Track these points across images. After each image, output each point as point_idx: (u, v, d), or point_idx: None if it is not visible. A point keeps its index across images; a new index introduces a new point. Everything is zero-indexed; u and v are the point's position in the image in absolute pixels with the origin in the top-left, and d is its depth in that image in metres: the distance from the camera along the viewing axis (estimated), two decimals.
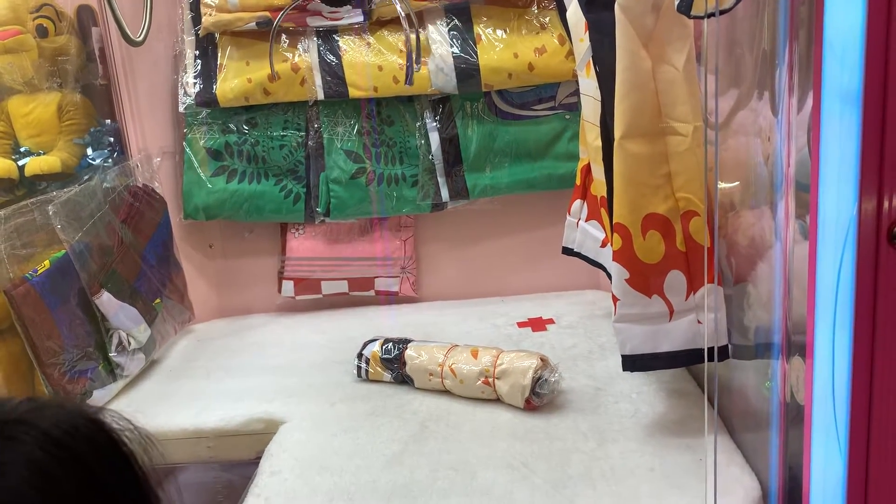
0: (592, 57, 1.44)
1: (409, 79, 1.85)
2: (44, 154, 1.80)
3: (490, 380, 1.52)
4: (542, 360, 1.50)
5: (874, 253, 0.91)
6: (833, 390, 0.97)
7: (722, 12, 0.98)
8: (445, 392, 1.59)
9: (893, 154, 0.88)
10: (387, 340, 1.68)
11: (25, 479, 0.49)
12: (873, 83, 0.87)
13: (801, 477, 1.03)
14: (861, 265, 0.91)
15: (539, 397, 1.48)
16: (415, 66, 1.85)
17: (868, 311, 0.93)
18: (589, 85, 1.51)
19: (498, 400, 1.53)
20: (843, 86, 0.89)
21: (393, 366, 1.64)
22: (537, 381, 1.47)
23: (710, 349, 1.23)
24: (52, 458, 0.50)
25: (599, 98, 1.41)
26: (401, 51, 1.97)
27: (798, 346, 1.03)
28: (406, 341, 1.67)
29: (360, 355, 1.69)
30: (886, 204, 0.90)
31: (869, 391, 0.95)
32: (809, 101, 0.94)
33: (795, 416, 1.06)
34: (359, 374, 1.68)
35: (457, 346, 1.62)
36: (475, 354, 1.57)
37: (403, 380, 1.64)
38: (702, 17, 0.99)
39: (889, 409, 0.95)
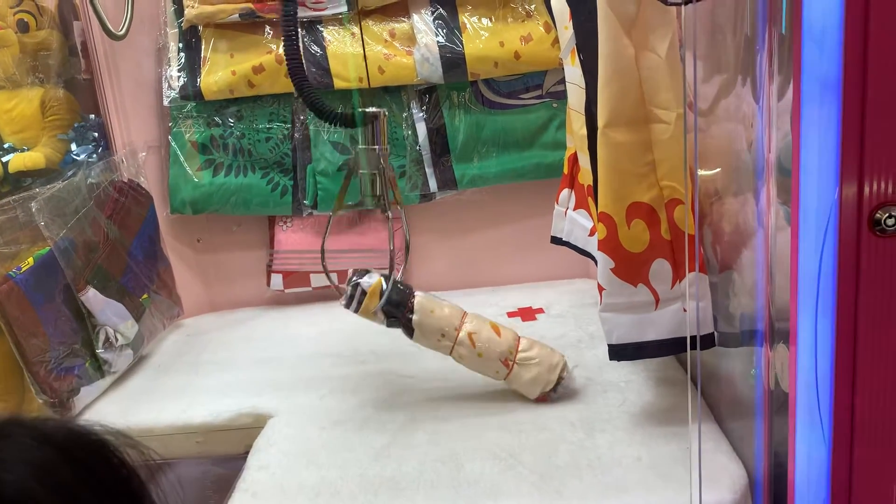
0: (577, 45, 1.42)
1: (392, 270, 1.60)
2: (27, 150, 1.79)
3: (511, 362, 1.47)
4: (564, 359, 1.50)
5: (855, 239, 0.91)
6: (816, 377, 0.97)
7: None
8: (435, 380, 1.58)
9: (874, 139, 0.88)
10: (388, 279, 1.47)
11: (29, 474, 0.49)
12: (853, 68, 0.86)
13: (787, 465, 1.03)
14: (842, 251, 0.91)
15: (556, 394, 1.47)
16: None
17: (850, 298, 0.92)
18: (574, 73, 1.50)
19: (500, 384, 1.50)
20: (822, 71, 0.88)
21: (397, 310, 1.45)
22: (560, 380, 1.47)
23: (695, 337, 1.22)
24: (51, 453, 0.51)
25: (584, 86, 1.40)
26: (386, 41, 1.96)
27: (782, 333, 1.03)
28: (410, 288, 1.49)
29: (355, 284, 1.45)
30: (867, 190, 0.89)
31: (852, 378, 0.95)
32: (790, 87, 0.94)
33: (781, 404, 1.06)
34: (348, 305, 1.46)
35: (468, 312, 1.51)
36: (496, 331, 1.49)
37: (400, 325, 1.47)
38: (679, 4, 0.98)
39: (871, 395, 0.95)
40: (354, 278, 1.46)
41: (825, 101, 0.88)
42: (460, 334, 1.48)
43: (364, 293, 1.44)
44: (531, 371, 1.47)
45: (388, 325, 1.48)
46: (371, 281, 1.45)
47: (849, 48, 0.85)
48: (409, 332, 1.48)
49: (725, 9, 1.17)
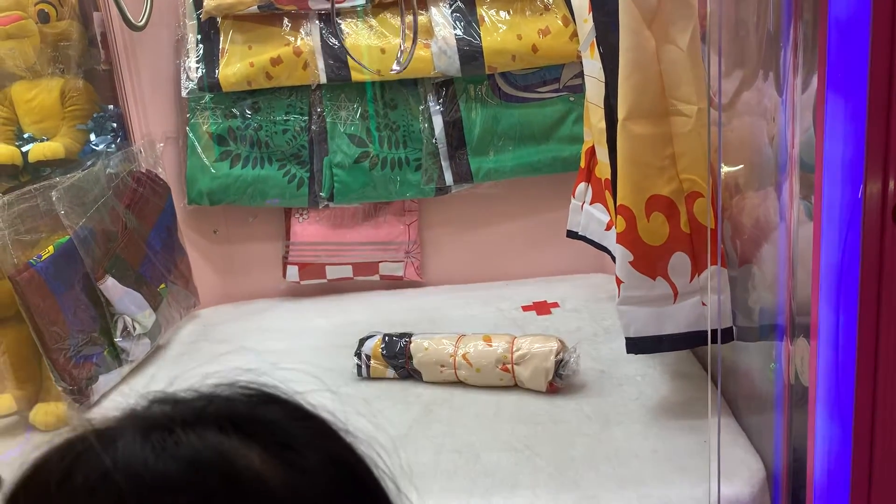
0: (596, 38, 1.42)
1: (403, 62, 1.84)
2: (47, 140, 1.80)
3: (509, 366, 1.51)
4: (560, 342, 1.50)
5: (879, 233, 0.90)
6: (838, 372, 0.97)
7: None
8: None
9: None
10: (386, 335, 1.63)
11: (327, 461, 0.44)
12: (879, 62, 0.86)
13: (806, 459, 1.03)
14: (866, 245, 0.91)
15: (562, 378, 1.48)
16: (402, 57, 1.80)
17: (872, 292, 0.92)
18: (593, 66, 1.50)
19: (515, 386, 1.52)
20: (848, 62, 0.88)
21: (397, 361, 1.59)
22: (559, 363, 1.47)
23: (714, 331, 1.22)
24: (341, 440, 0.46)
25: (603, 79, 1.40)
26: (405, 33, 1.96)
27: (803, 327, 1.03)
28: (408, 335, 1.62)
29: (358, 353, 1.62)
30: (891, 184, 0.89)
31: (873, 372, 0.94)
32: (814, 81, 0.93)
33: (800, 398, 1.06)
34: (359, 373, 1.62)
35: (464, 335, 1.60)
36: (488, 341, 1.55)
37: (409, 374, 1.59)
38: None
39: (893, 389, 0.94)
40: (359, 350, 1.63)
41: (851, 93, 0.88)
42: (457, 359, 1.54)
43: (369, 357, 1.61)
44: (528, 367, 1.49)
45: (401, 377, 1.60)
46: (371, 344, 1.62)
47: (876, 39, 0.84)
48: (419, 374, 1.58)
49: (748, 2, 1.16)
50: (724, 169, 1.29)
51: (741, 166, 1.26)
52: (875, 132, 0.88)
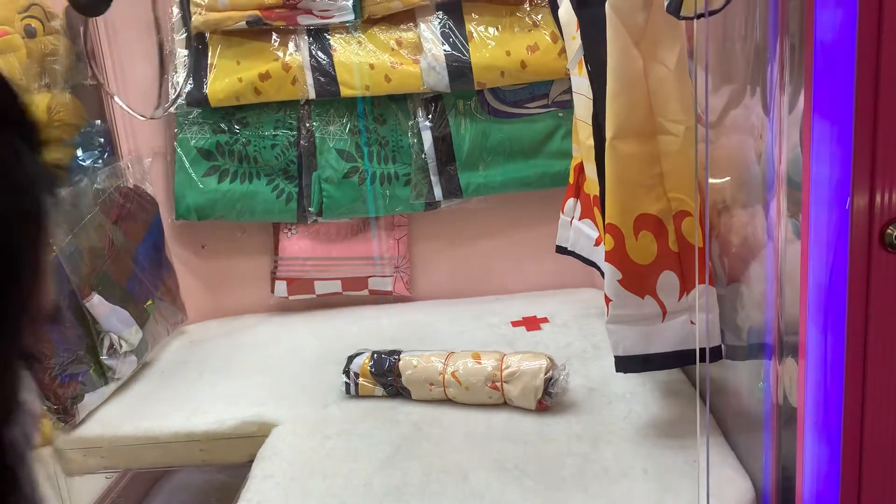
0: (584, 55, 1.42)
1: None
2: None
3: (498, 384, 1.50)
4: (549, 359, 1.50)
5: (866, 254, 0.90)
6: (826, 392, 0.96)
7: (712, 13, 0.97)
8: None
9: (885, 154, 0.88)
10: (374, 353, 1.62)
11: None
12: (865, 81, 0.86)
13: (795, 479, 1.03)
14: (853, 266, 0.91)
15: (551, 397, 1.47)
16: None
17: (860, 312, 0.92)
18: (581, 83, 1.50)
19: (504, 404, 1.51)
20: (834, 84, 0.88)
21: (386, 379, 1.58)
22: (548, 381, 1.47)
23: (703, 350, 1.22)
24: None
25: (591, 97, 1.40)
26: (392, 49, 1.96)
27: (791, 346, 1.03)
28: (396, 352, 1.61)
29: (346, 371, 1.61)
30: (878, 205, 0.89)
31: (861, 392, 0.94)
32: (801, 99, 0.93)
33: (789, 418, 1.05)
34: (347, 391, 1.61)
35: (454, 352, 1.59)
36: (477, 359, 1.54)
37: (398, 392, 1.58)
38: (691, 18, 0.98)
39: (881, 409, 0.94)
40: (347, 368, 1.62)
41: (837, 117, 0.88)
42: (446, 377, 1.53)
43: (357, 375, 1.60)
44: (517, 385, 1.48)
45: (390, 395, 1.59)
46: (360, 362, 1.61)
47: (861, 63, 0.85)
48: (408, 392, 1.57)
49: (735, 20, 1.17)
50: (711, 185, 1.29)
51: (729, 183, 1.26)
52: (861, 155, 0.88)
